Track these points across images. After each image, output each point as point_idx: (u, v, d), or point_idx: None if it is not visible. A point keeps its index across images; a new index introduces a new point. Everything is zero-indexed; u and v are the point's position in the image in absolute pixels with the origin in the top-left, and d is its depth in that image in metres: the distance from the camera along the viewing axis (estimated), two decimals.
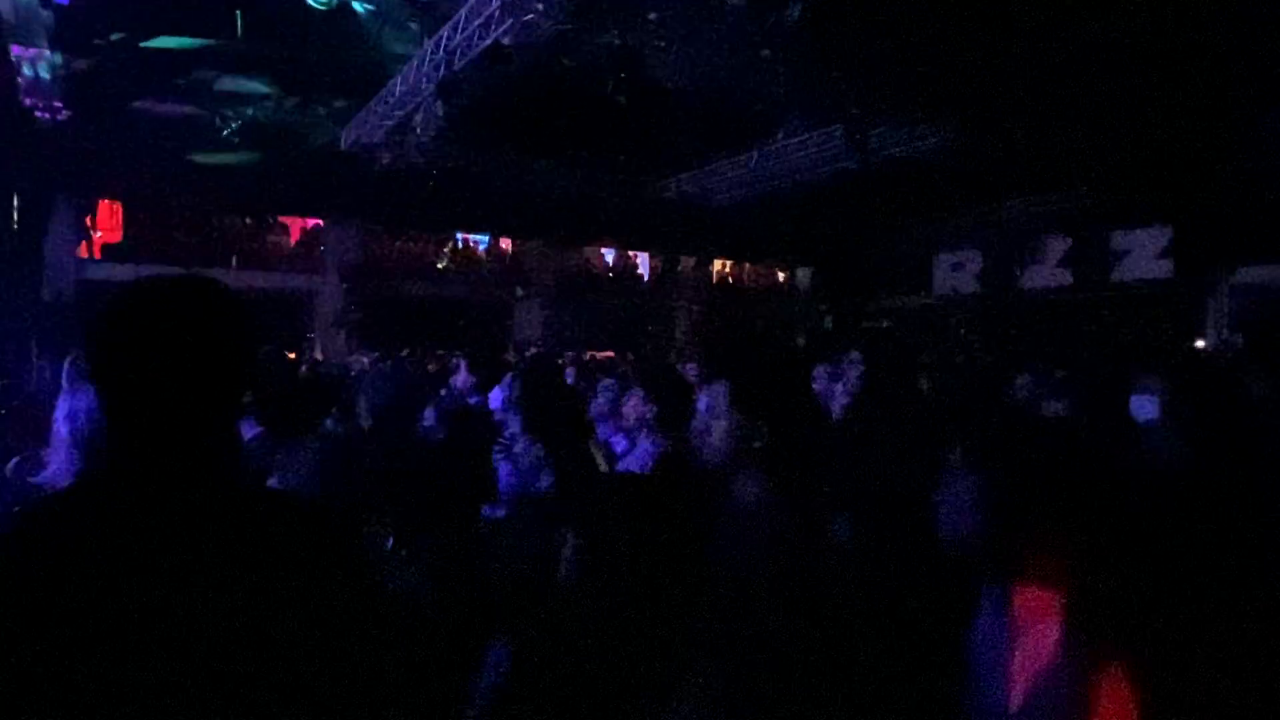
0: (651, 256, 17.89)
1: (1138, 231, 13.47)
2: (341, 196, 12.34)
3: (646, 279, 18.20)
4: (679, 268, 17.55)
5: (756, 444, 1.57)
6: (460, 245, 16.49)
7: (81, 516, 0.93)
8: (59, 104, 9.26)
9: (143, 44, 8.69)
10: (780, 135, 12.38)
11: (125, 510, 0.93)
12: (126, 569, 0.89)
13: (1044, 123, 10.30)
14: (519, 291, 16.22)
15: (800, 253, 18.71)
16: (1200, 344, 12.32)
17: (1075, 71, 8.97)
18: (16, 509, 1.22)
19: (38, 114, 9.36)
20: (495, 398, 4.42)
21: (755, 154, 13.06)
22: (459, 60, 8.67)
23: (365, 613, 1.01)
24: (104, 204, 11.48)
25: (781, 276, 20.28)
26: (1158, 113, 9.79)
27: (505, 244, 16.79)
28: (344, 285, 13.47)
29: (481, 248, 16.81)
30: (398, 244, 15.48)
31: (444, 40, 8.71)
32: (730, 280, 19.60)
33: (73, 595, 0.86)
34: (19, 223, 9.35)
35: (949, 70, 9.22)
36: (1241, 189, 11.10)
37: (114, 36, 8.48)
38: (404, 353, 9.74)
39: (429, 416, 2.81)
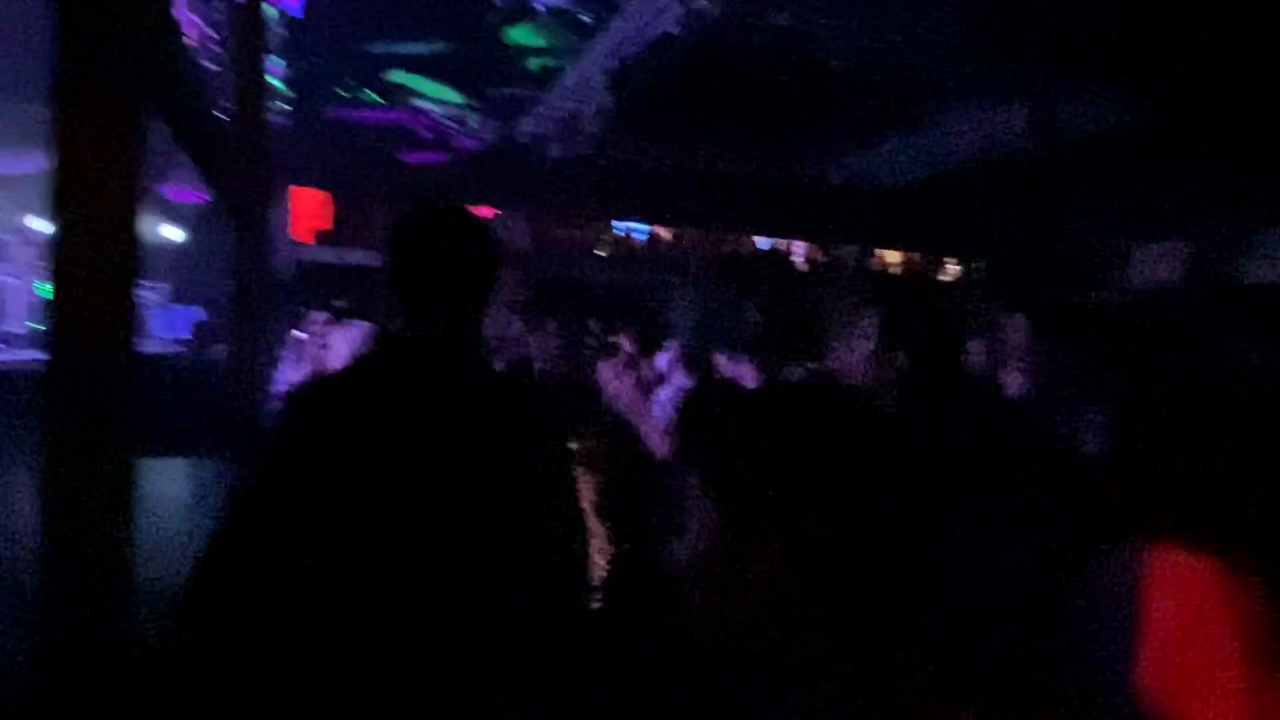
0: (809, 245, 17.54)
1: None
2: (515, 187, 13.12)
3: (804, 268, 17.86)
4: (838, 257, 17.08)
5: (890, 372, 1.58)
6: (621, 234, 17.02)
7: (370, 377, 1.25)
8: (287, 105, 10.56)
9: (355, 48, 9.73)
10: (955, 114, 11.72)
11: (405, 373, 1.23)
12: (400, 415, 1.17)
13: (1270, 93, 9.04)
14: (673, 280, 16.50)
15: (975, 241, 17.58)
16: None
17: None
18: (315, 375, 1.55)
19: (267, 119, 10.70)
20: (661, 361, 4.66)
21: (926, 135, 12.45)
22: (628, 50, 8.98)
23: (561, 468, 1.26)
24: (318, 194, 12.97)
25: (954, 267, 19.15)
26: None
27: (663, 232, 17.11)
28: (514, 271, 14.34)
29: (639, 236, 17.25)
30: (562, 231, 16.22)
31: (615, 31, 9.05)
32: (895, 270, 18.78)
33: (360, 430, 1.14)
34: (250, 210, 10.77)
35: (1152, 34, 8.32)
36: None
37: (332, 44, 9.55)
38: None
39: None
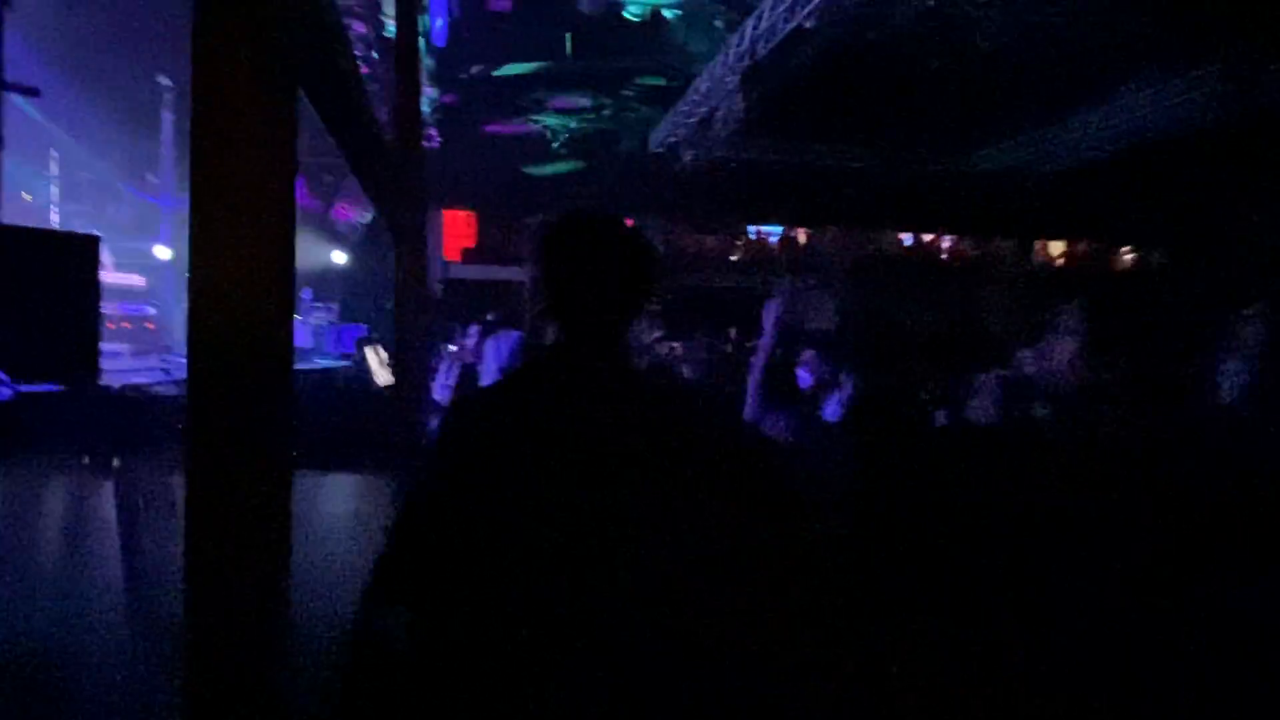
0: (959, 239, 16.52)
1: None
2: (649, 195, 13.23)
3: (956, 265, 16.85)
4: (995, 251, 15.95)
5: (1106, 375, 1.37)
6: (754, 237, 16.80)
7: (527, 388, 1.25)
8: (433, 131, 11.22)
9: (493, 73, 10.19)
10: (1126, 88, 10.60)
11: (561, 383, 1.21)
12: (558, 424, 1.17)
13: None
14: (810, 282, 16.02)
15: (1150, 230, 15.85)
16: None
17: None
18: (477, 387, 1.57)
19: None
20: (803, 375, 4.51)
21: (1092, 114, 11.35)
22: (762, 49, 8.80)
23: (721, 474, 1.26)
24: (462, 214, 13.70)
25: (1127, 258, 17.39)
26: None
27: (798, 233, 16.72)
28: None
29: (773, 239, 16.95)
30: (696, 238, 16.22)
31: (748, 31, 8.91)
32: (1057, 264, 17.32)
33: (522, 428, 1.16)
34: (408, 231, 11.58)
35: None
36: None
37: (473, 69, 10.05)
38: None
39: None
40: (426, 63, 9.69)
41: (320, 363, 8.58)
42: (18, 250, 2.88)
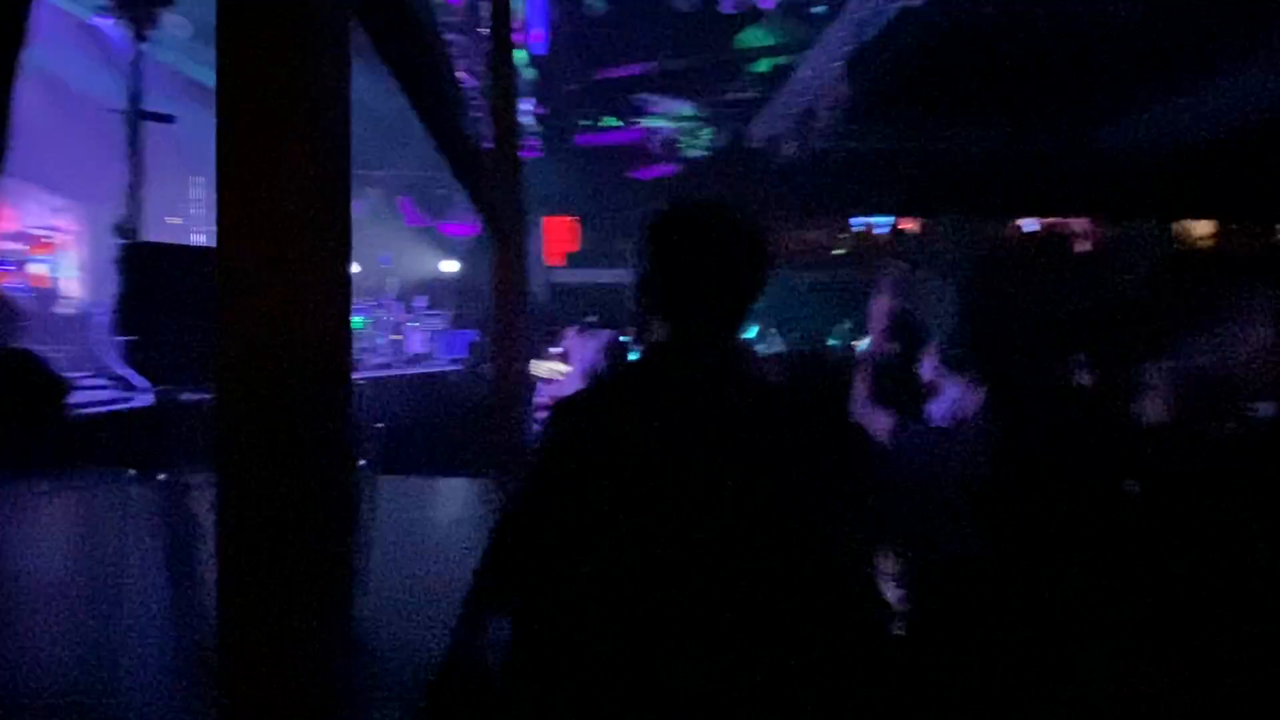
0: (1092, 223, 15.33)
1: None
2: (749, 191, 13.00)
3: (1082, 251, 15.66)
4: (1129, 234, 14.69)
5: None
6: (861, 230, 16.22)
7: (632, 387, 1.17)
8: (535, 141, 11.44)
9: (592, 78, 10.28)
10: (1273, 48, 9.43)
11: (674, 383, 1.13)
12: (672, 426, 1.08)
13: None
14: (919, 275, 15.28)
15: None
16: None
17: None
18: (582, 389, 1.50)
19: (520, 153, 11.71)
20: (926, 369, 4.26)
21: (1241, 75, 10.18)
22: (868, 33, 8.44)
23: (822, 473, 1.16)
24: (564, 220, 13.92)
25: None
26: None
27: (907, 224, 16.00)
28: None
29: (879, 230, 16.30)
30: (796, 233, 15.81)
31: (850, 15, 8.57)
32: (1204, 246, 15.78)
33: (628, 432, 1.08)
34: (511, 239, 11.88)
35: None
36: None
37: (572, 75, 10.18)
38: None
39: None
40: (527, 73, 9.89)
41: (414, 369, 8.90)
42: (149, 264, 3.12)
